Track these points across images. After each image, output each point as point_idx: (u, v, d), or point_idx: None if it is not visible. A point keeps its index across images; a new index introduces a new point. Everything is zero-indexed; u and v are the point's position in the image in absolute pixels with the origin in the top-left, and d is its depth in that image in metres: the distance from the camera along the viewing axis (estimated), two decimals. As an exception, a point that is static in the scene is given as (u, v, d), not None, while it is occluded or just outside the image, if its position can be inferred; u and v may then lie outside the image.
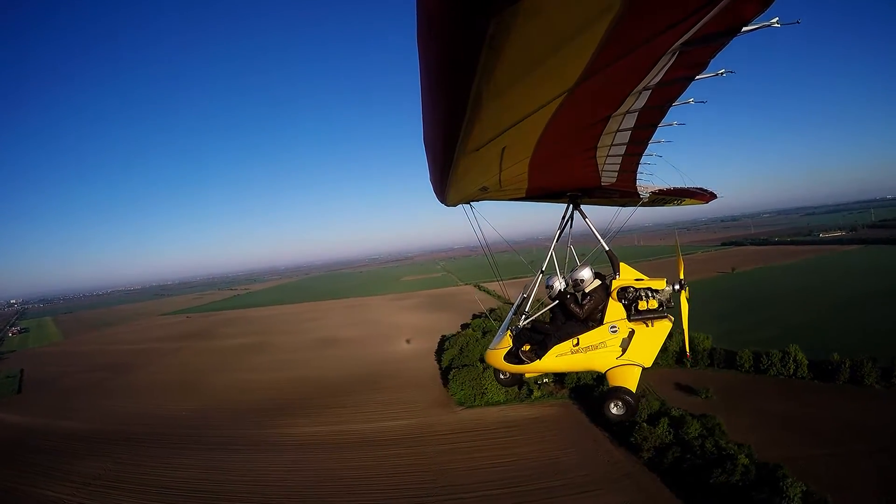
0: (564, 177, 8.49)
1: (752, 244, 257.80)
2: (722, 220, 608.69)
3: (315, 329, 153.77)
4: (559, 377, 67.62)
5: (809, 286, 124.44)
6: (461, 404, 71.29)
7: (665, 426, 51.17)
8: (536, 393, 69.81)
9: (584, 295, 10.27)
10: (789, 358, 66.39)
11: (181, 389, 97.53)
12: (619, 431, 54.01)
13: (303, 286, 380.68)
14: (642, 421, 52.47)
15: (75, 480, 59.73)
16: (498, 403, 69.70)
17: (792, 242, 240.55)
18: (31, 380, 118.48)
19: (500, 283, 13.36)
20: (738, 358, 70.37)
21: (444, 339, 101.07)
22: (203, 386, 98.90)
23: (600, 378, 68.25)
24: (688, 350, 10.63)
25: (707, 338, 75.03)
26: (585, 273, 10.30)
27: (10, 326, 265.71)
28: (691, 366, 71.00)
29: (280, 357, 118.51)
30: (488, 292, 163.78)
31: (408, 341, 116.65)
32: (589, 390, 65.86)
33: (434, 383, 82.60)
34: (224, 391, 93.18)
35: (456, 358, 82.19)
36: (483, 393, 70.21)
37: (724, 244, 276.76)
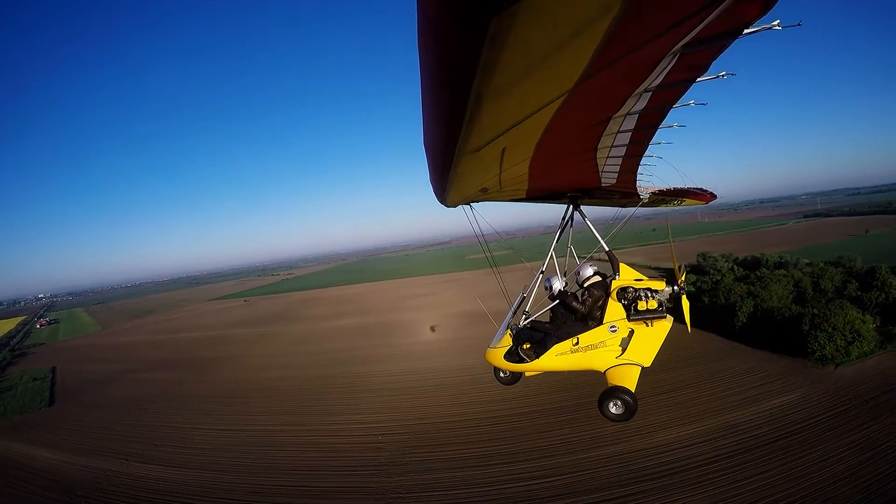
0: (565, 178, 8.40)
1: (840, 215, 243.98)
2: (762, 202, 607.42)
3: (442, 304, 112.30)
4: None
5: None
6: (825, 362, 47.11)
7: None
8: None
9: (584, 291, 10.36)
10: None
11: (321, 395, 57.03)
12: None
13: (356, 268, 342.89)
14: None
15: None
16: (869, 354, 48.54)
17: (884, 212, 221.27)
18: (67, 384, 79.58)
19: (499, 280, 12.51)
20: None
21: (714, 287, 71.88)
22: (359, 385, 58.34)
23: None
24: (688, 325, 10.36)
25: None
26: (588, 269, 10.64)
27: (38, 318, 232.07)
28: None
29: (448, 336, 77.63)
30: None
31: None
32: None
33: (729, 349, 55.07)
34: (417, 392, 53.05)
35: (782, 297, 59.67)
36: (855, 338, 47.65)
37: (806, 216, 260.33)
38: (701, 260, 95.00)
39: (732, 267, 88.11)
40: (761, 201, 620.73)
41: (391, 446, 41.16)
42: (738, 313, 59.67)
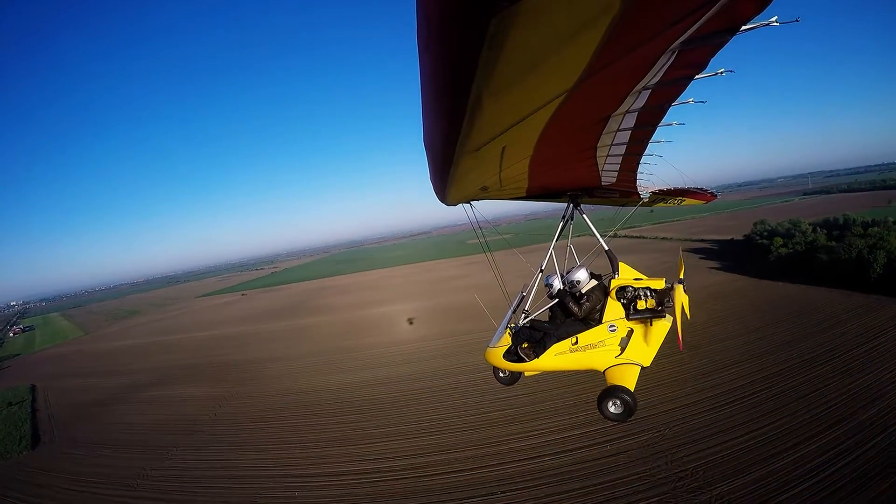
0: (565, 176, 8.34)
1: (839, 192, 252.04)
2: (739, 185, 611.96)
3: (491, 285, 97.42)
4: None
5: None
6: None
7: None
8: None
9: (582, 295, 10.18)
10: None
11: (440, 401, 42.27)
12: None
13: (349, 258, 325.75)
14: None
15: None
16: None
17: (883, 188, 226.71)
18: (53, 408, 61.29)
19: (499, 280, 12.23)
20: None
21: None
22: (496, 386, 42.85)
23: None
24: (681, 344, 9.42)
25: None
26: (581, 274, 10.28)
27: (11, 326, 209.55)
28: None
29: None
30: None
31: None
32: None
33: (872, 302, 51.69)
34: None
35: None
36: None
37: (806, 194, 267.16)
38: (767, 226, 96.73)
39: (816, 228, 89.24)
40: (739, 185, 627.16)
41: (649, 453, 30.46)
42: (874, 265, 59.29)
